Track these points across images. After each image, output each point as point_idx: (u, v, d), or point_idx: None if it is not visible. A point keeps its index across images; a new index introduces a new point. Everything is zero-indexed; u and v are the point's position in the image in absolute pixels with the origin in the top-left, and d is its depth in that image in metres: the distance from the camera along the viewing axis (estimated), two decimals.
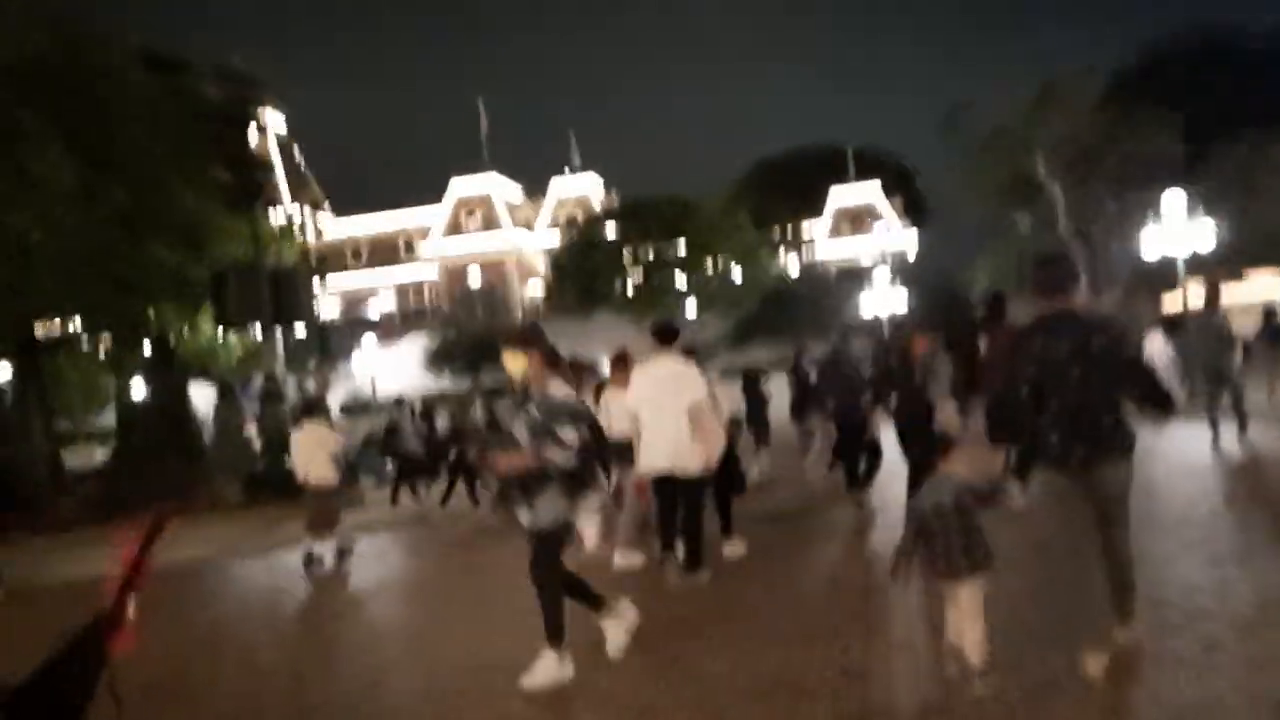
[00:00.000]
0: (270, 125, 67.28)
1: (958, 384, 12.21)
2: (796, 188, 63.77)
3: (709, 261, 43.64)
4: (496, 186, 63.21)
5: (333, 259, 63.96)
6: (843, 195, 66.17)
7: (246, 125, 18.58)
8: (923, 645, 5.47)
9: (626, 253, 43.75)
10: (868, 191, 66.25)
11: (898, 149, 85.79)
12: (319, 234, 25.51)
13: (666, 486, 7.89)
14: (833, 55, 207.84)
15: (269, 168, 18.47)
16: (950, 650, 4.97)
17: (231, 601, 10.47)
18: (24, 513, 17.63)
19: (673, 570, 7.80)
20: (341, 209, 68.08)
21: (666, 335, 8.05)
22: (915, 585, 6.62)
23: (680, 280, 43.67)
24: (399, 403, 20.07)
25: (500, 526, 12.72)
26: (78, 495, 18.93)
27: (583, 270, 43.78)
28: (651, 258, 43.44)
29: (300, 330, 22.53)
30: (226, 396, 27.19)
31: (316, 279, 27.46)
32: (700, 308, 44.31)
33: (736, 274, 44.88)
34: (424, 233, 63.39)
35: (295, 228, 26.50)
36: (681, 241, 43.13)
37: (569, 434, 5.37)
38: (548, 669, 5.48)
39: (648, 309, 41.83)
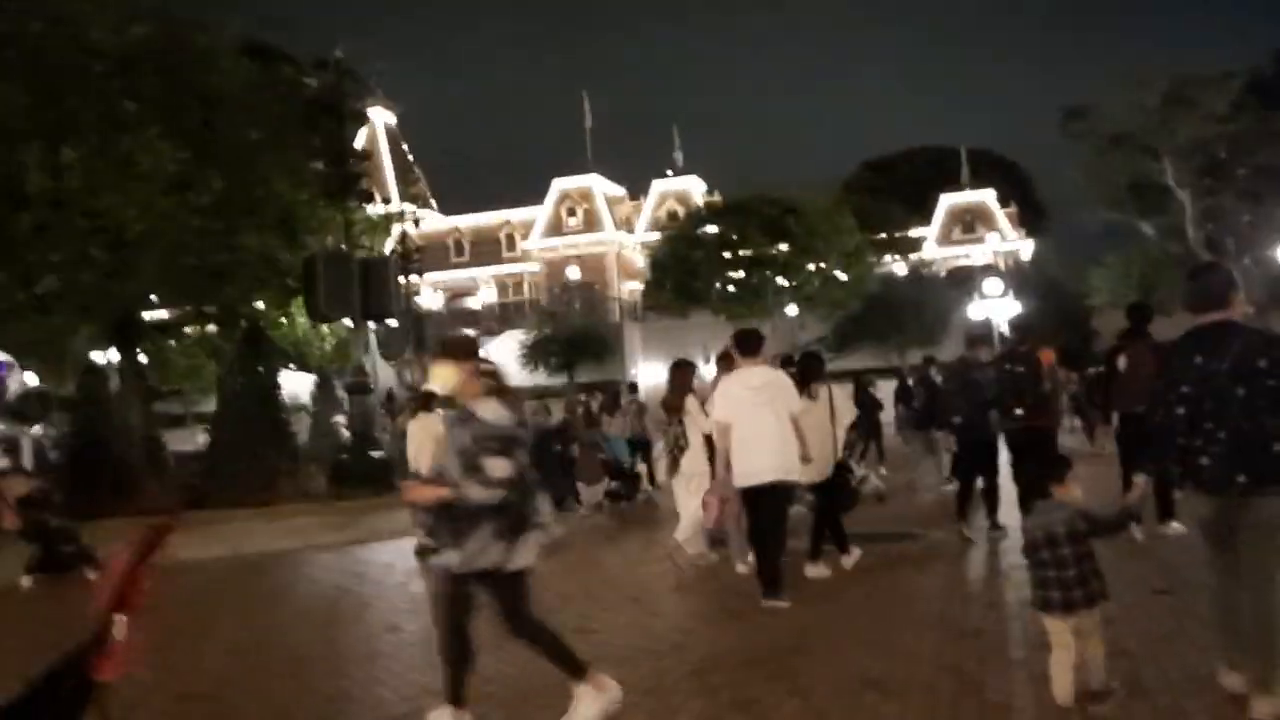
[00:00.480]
0: (380, 121, 68.60)
1: (1080, 400, 11.48)
2: (905, 190, 62.01)
3: (811, 263, 42.53)
4: (598, 185, 63.19)
5: (436, 253, 64.76)
6: (954, 199, 64.16)
7: (344, 116, 18.50)
8: (1026, 708, 4.72)
9: (726, 252, 42.94)
10: (981, 196, 64.07)
11: (1014, 151, 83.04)
12: (416, 224, 25.51)
13: (764, 499, 7.40)
14: (947, 53, 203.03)
15: (364, 158, 18.38)
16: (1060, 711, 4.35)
17: (293, 602, 10.14)
18: (119, 495, 17.88)
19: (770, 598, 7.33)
20: (447, 205, 68.99)
21: (750, 345, 7.68)
22: (1019, 631, 5.94)
23: (780, 281, 42.64)
24: None
25: (603, 529, 12.44)
26: (173, 479, 19.16)
27: (681, 268, 43.14)
28: (750, 257, 42.53)
29: (394, 321, 22.47)
30: (324, 387, 27.49)
31: (414, 273, 27.42)
32: (801, 310, 43.27)
33: (840, 277, 43.67)
34: (526, 229, 63.74)
35: (394, 221, 26.56)
36: (782, 242, 42.14)
37: (499, 466, 4.58)
38: (587, 706, 4.85)
39: (746, 310, 41.02)
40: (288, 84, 18.36)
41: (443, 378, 4.83)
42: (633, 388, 17.83)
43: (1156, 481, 5.69)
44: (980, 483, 9.70)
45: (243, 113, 16.81)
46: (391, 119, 69.41)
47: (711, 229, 43.52)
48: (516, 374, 44.71)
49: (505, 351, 48.19)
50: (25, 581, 11.48)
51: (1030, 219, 66.96)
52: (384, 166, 67.44)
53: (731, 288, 43.46)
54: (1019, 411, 8.91)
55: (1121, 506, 5.24)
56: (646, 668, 5.90)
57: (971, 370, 9.75)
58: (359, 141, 67.11)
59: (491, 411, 4.66)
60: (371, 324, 20.54)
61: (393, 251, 30.33)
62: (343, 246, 18.85)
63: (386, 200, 35.80)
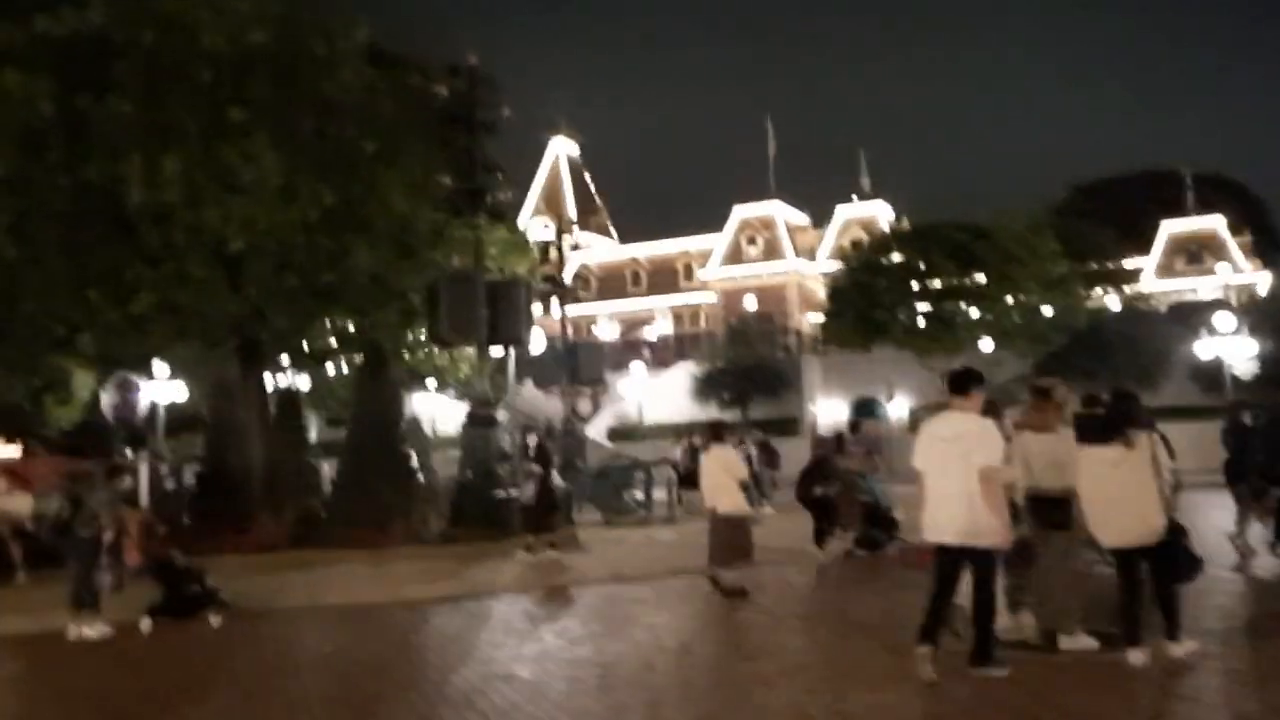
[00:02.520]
0: (562, 152, 68.97)
1: None
2: (1120, 217, 56.76)
3: (1009, 294, 38.67)
4: (780, 212, 60.91)
5: (613, 282, 64.13)
6: (1177, 226, 58.30)
7: (475, 127, 17.09)
8: None
9: (913, 281, 39.65)
10: (1209, 223, 57.91)
11: (1246, 174, 75.40)
12: (575, 248, 24.00)
13: (949, 562, 6.89)
14: (1167, 69, 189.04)
15: (493, 171, 16.76)
16: None
17: (305, 680, 8.10)
18: (235, 528, 16.95)
19: (926, 666, 6.65)
20: (627, 234, 68.42)
21: (961, 385, 7.09)
22: None
23: (973, 313, 38.95)
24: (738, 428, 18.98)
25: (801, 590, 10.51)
26: (291, 514, 18.06)
27: (863, 298, 40.12)
28: (940, 287, 39.06)
29: (539, 348, 20.95)
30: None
31: (570, 300, 26.14)
32: (997, 345, 39.37)
33: (1045, 310, 39.53)
34: (704, 258, 62.10)
35: (549, 244, 25.22)
36: (976, 270, 38.55)
37: None
38: None
39: (934, 343, 37.76)
40: (413, 92, 17.09)
41: None
42: (854, 426, 16.62)
43: None
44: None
45: (358, 120, 15.62)
46: (574, 149, 69.73)
47: (896, 256, 40.37)
48: (688, 407, 42.79)
49: (678, 384, 46.46)
50: (144, 624, 10.58)
51: (1266, 249, 60.31)
52: (565, 196, 67.68)
53: (920, 320, 40.07)
54: None
55: None
56: None
57: None
58: (542, 171, 67.89)
59: None
60: (509, 350, 19.08)
61: (549, 277, 29.14)
62: (472, 265, 17.39)
63: (558, 226, 34.80)
